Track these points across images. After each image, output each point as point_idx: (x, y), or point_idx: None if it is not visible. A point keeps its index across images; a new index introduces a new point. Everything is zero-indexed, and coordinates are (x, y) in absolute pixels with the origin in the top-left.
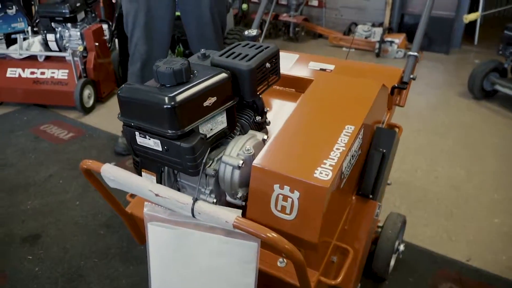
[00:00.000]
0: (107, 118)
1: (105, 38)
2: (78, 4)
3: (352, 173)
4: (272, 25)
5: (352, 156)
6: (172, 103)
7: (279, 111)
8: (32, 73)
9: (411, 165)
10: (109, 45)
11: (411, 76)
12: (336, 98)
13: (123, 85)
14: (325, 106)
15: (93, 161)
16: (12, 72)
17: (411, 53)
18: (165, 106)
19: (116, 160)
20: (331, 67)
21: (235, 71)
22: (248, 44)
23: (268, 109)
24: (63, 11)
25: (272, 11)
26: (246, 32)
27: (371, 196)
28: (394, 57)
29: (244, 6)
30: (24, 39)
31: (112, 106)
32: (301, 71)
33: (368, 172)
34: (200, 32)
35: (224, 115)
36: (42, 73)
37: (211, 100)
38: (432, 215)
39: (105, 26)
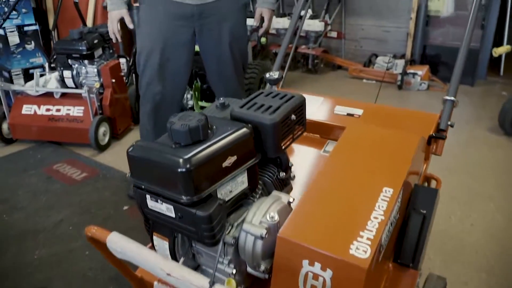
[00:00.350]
0: (122, 156)
1: (122, 74)
2: (95, 41)
3: (390, 240)
4: (291, 57)
5: (391, 223)
6: (188, 166)
7: (304, 160)
8: (48, 110)
9: (444, 210)
10: (127, 81)
11: (449, 123)
12: (371, 154)
13: (134, 143)
14: (358, 164)
15: (99, 228)
16: (27, 109)
17: (447, 97)
18: (179, 170)
19: (129, 203)
20: (359, 112)
21: (258, 125)
22: (271, 93)
23: (292, 163)
24: (80, 48)
25: (295, 44)
26: (267, 75)
27: (411, 264)
28: (417, 89)
29: (263, 39)
30: (41, 75)
31: (128, 143)
32: (327, 116)
33: (407, 238)
34: (221, 70)
35: (245, 174)
36: (58, 110)
37: (231, 160)
38: (471, 270)
39: (123, 61)
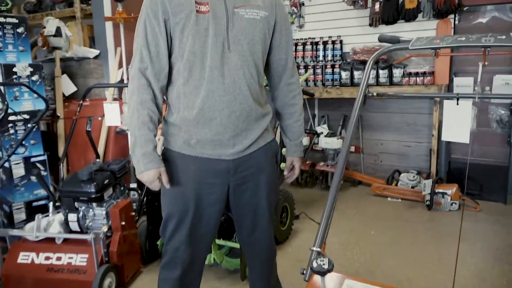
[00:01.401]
0: None
1: (133, 214)
2: (106, 182)
3: None
4: (308, 174)
5: None
6: None
7: None
8: (47, 258)
9: None
10: (137, 217)
11: None
12: None
13: None
14: None
15: None
16: (24, 257)
17: None
18: None
19: None
20: None
21: None
22: None
23: None
24: (89, 190)
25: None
26: (314, 264)
27: None
28: (448, 209)
29: (283, 165)
30: (46, 210)
31: None
32: None
33: None
34: (256, 222)
35: None
36: (58, 259)
37: None
38: None
39: (133, 191)
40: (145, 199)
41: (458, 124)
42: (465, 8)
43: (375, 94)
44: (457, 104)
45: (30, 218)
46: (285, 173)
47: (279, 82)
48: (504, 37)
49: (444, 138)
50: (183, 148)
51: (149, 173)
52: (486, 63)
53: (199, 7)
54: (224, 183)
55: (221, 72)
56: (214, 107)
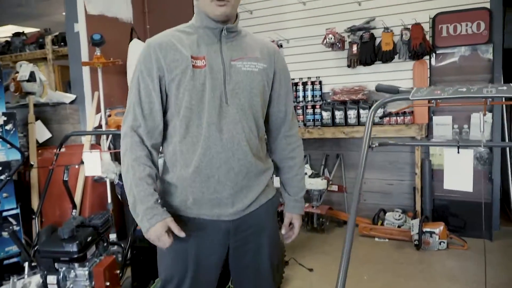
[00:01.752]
0: None
1: (117, 271)
2: (89, 239)
3: None
4: None
5: None
6: None
7: None
8: None
9: None
10: (120, 274)
11: None
12: None
13: None
14: None
15: None
16: None
17: None
18: None
19: None
20: None
21: None
22: None
23: None
24: (71, 250)
25: None
26: None
27: None
28: (437, 248)
29: None
30: (18, 267)
31: None
32: None
33: None
34: (258, 285)
35: None
36: None
37: None
38: None
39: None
40: (129, 252)
41: (460, 172)
42: (437, 50)
43: (377, 144)
44: (458, 152)
45: (0, 278)
46: (283, 231)
47: (277, 135)
48: (505, 88)
49: (446, 186)
50: (180, 210)
51: (155, 228)
52: (487, 112)
53: (195, 62)
54: (224, 245)
55: (218, 127)
56: (212, 164)
